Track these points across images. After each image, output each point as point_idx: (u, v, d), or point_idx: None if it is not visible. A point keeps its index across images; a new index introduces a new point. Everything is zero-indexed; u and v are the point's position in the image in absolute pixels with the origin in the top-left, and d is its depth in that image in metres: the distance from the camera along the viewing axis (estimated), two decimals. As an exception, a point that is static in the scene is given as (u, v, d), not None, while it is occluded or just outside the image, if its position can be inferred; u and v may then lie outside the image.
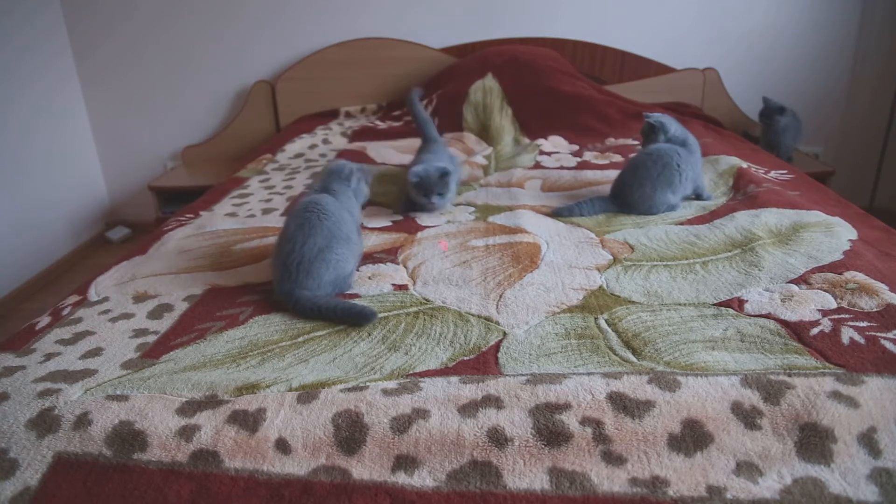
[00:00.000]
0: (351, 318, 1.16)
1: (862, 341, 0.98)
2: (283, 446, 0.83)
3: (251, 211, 1.83)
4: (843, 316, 1.06)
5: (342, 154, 2.41)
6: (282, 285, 1.23)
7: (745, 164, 1.92)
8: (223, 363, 1.04)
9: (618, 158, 2.19)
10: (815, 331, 1.02)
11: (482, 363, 1.01)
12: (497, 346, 1.06)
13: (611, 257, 1.38)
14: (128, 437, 0.85)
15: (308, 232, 1.24)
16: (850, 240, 1.36)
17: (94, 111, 3.19)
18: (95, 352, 1.09)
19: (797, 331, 1.03)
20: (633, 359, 1.00)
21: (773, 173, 1.93)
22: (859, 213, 1.58)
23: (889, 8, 2.80)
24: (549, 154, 2.29)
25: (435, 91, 2.76)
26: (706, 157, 2.04)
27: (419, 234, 1.57)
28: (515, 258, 1.38)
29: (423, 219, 1.68)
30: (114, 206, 3.37)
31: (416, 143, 2.44)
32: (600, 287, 1.25)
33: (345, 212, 1.33)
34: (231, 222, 1.73)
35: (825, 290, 1.15)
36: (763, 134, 2.65)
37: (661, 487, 0.76)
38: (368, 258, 1.44)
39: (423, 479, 0.79)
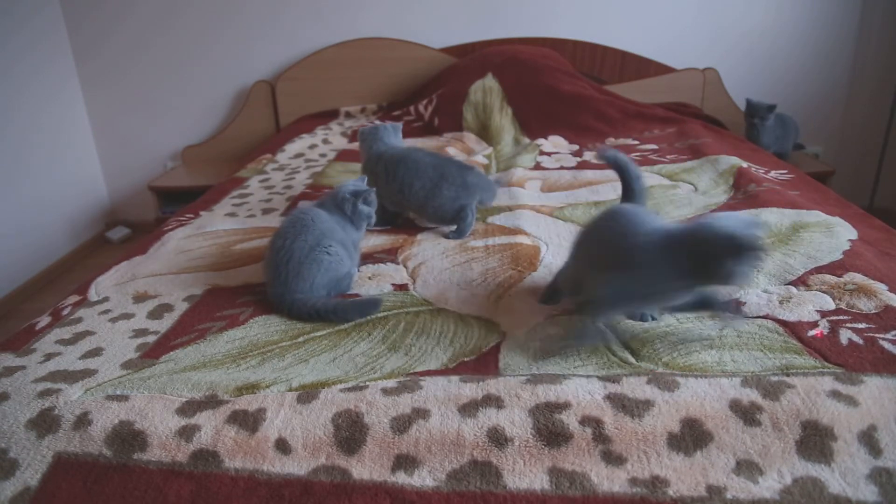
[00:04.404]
0: (355, 312, 1.16)
1: (860, 342, 0.98)
2: (283, 446, 0.83)
3: (251, 211, 1.83)
4: (841, 318, 1.06)
5: (342, 155, 2.42)
6: (274, 288, 1.22)
7: (745, 164, 1.92)
8: (223, 363, 1.04)
9: (618, 158, 2.19)
10: (812, 332, 1.03)
11: (482, 364, 1.01)
12: (497, 348, 1.06)
13: (611, 257, 1.38)
14: (128, 437, 0.85)
15: (300, 229, 1.23)
16: (850, 240, 1.35)
17: (94, 111, 3.19)
18: (95, 352, 1.09)
19: (796, 330, 1.03)
20: (631, 359, 1.00)
21: (773, 173, 1.93)
22: (859, 213, 1.58)
23: (889, 8, 2.80)
24: (549, 154, 2.29)
25: (435, 91, 2.76)
26: (706, 157, 2.04)
27: (419, 235, 1.57)
28: (515, 260, 1.38)
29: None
30: (114, 206, 3.37)
31: (414, 143, 2.44)
32: (600, 287, 1.25)
33: (337, 227, 1.30)
34: (231, 222, 1.73)
35: (823, 292, 1.15)
36: (747, 135, 2.58)
37: (660, 487, 0.76)
38: (368, 258, 1.44)
39: (423, 479, 0.79)
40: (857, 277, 1.17)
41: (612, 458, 0.79)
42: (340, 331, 1.14)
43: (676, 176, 1.92)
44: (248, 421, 0.86)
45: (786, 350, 0.98)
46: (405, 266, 1.40)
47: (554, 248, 1.44)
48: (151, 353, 1.08)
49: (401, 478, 0.79)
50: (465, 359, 1.03)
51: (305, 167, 2.29)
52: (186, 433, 0.85)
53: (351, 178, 1.47)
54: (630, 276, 0.94)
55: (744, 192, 1.72)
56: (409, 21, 3.00)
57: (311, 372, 1.00)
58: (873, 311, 1.07)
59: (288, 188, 2.04)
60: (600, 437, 0.81)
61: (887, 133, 2.87)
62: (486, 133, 2.54)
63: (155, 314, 1.23)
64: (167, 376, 0.98)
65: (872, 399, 0.83)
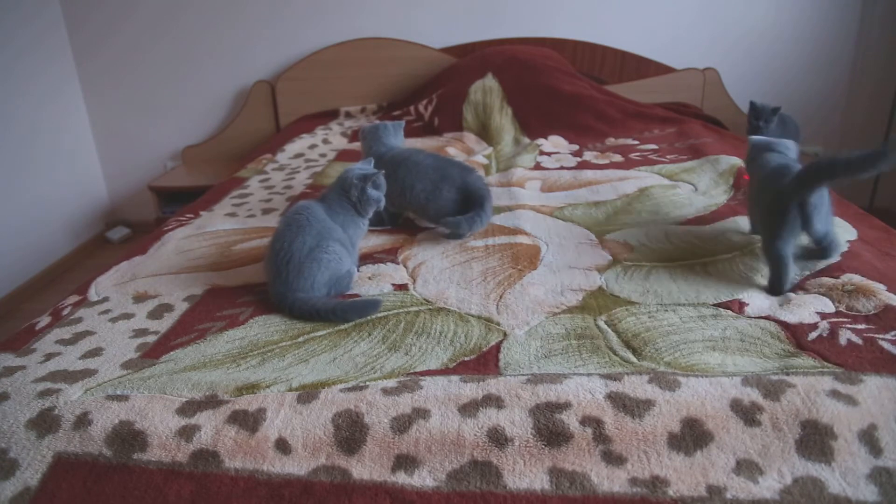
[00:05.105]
0: (354, 313, 1.16)
1: (860, 342, 0.98)
2: (283, 446, 0.83)
3: (251, 211, 1.83)
4: (840, 319, 1.06)
5: (341, 155, 2.42)
6: (275, 287, 1.22)
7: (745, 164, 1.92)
8: (223, 363, 1.04)
9: (618, 158, 2.19)
10: (813, 334, 1.02)
11: (482, 364, 1.01)
12: (497, 347, 1.06)
13: (610, 258, 1.38)
14: (128, 437, 0.85)
15: (297, 231, 1.23)
16: (849, 241, 1.35)
17: (94, 111, 3.19)
18: (95, 352, 1.09)
19: (796, 334, 1.03)
20: (633, 359, 1.00)
21: (772, 173, 1.93)
22: (859, 213, 1.58)
23: (889, 8, 2.80)
24: (549, 154, 2.29)
25: (435, 91, 2.76)
26: (706, 157, 2.04)
27: (419, 235, 1.57)
28: (515, 259, 1.38)
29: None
30: (114, 206, 3.37)
31: (414, 143, 2.45)
32: (600, 288, 1.25)
33: (336, 225, 1.30)
34: (231, 222, 1.73)
35: (822, 294, 1.14)
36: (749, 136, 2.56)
37: (661, 487, 0.76)
38: (368, 258, 1.44)
39: (423, 479, 0.79)
40: (856, 278, 1.17)
41: (613, 458, 0.79)
42: (340, 331, 1.14)
43: (676, 176, 1.92)
44: (248, 421, 0.86)
45: (785, 355, 0.98)
46: (405, 266, 1.40)
47: (554, 247, 1.44)
48: (151, 353, 1.08)
49: (401, 478, 0.79)
50: (466, 358, 1.03)
51: (305, 167, 2.29)
52: (186, 433, 0.85)
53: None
54: None
55: (744, 192, 1.72)
56: (409, 21, 3.00)
57: (312, 372, 1.00)
58: (872, 312, 1.07)
59: (288, 188, 2.04)
60: (600, 436, 0.81)
61: (887, 133, 2.87)
62: (486, 133, 2.54)
63: (155, 314, 1.23)
64: (167, 376, 0.98)
65: (872, 398, 0.83)
